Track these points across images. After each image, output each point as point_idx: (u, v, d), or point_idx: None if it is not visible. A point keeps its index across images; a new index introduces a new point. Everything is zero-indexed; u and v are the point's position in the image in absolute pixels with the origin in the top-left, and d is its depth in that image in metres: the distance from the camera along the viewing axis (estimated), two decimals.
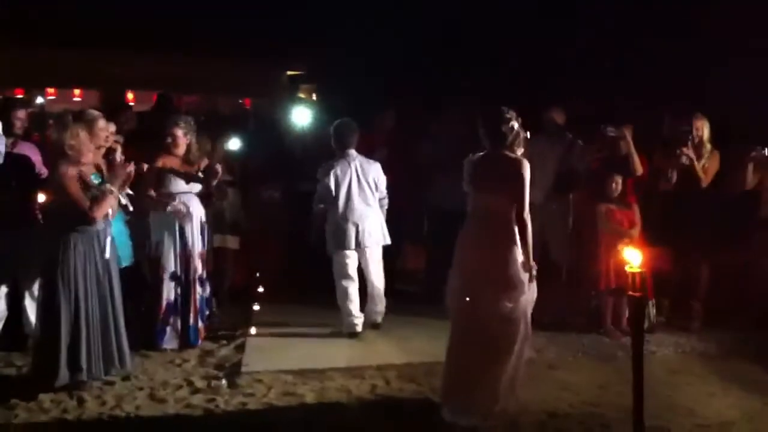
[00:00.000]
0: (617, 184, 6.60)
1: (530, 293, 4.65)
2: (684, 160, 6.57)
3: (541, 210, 7.40)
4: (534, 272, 4.57)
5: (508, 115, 4.70)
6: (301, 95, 13.24)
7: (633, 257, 3.24)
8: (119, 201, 5.21)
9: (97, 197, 5.00)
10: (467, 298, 4.56)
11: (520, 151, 4.72)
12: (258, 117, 10.94)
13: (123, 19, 11.33)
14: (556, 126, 7.84)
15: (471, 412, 4.55)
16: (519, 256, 4.55)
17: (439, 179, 7.39)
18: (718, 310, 6.74)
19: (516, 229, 4.56)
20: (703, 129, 6.72)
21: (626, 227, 6.52)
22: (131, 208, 5.56)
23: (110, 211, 5.17)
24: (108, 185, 5.08)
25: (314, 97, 13.34)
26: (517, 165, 4.63)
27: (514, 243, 4.56)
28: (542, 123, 7.89)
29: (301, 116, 9.60)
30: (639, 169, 6.74)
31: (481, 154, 4.78)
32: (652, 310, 6.52)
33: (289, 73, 12.92)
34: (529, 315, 4.68)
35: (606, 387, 5.26)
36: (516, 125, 4.70)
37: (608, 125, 6.83)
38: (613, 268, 6.38)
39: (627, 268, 3.30)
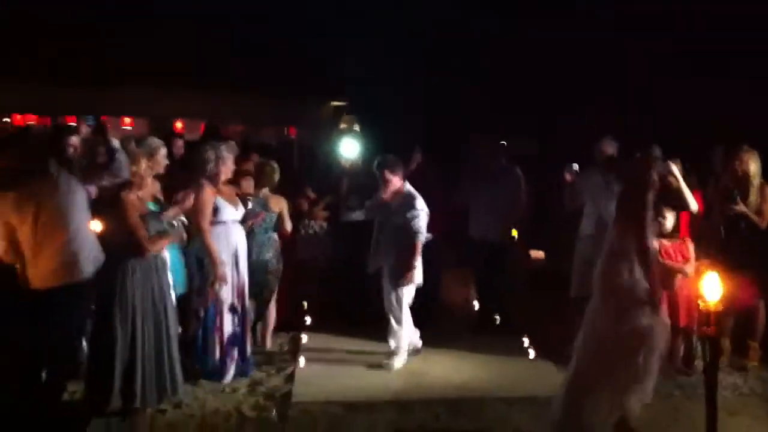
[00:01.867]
0: (665, 219, 6.48)
1: None
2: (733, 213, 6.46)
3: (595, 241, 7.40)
4: None
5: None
6: (344, 125, 13.29)
7: (710, 291, 3.14)
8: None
9: (162, 233, 5.04)
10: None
11: None
12: (303, 147, 11.04)
13: (166, 52, 11.55)
14: (607, 158, 7.74)
15: None
16: None
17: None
18: None
19: None
20: (749, 163, 6.56)
21: (679, 262, 6.40)
22: (185, 237, 5.59)
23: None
24: (170, 216, 5.11)
25: (356, 128, 13.38)
26: None
27: None
28: (592, 155, 7.82)
29: (349, 147, 9.63)
30: (692, 204, 6.61)
31: None
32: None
33: (333, 103, 13.01)
34: None
35: (667, 427, 5.13)
36: None
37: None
38: (667, 304, 6.25)
39: (700, 303, 3.20)
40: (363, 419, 5.24)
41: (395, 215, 6.49)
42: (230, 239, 5.99)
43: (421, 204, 6.45)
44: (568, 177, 7.55)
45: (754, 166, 6.55)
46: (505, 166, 7.92)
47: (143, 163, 5.10)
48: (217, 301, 5.93)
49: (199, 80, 11.44)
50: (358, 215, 7.99)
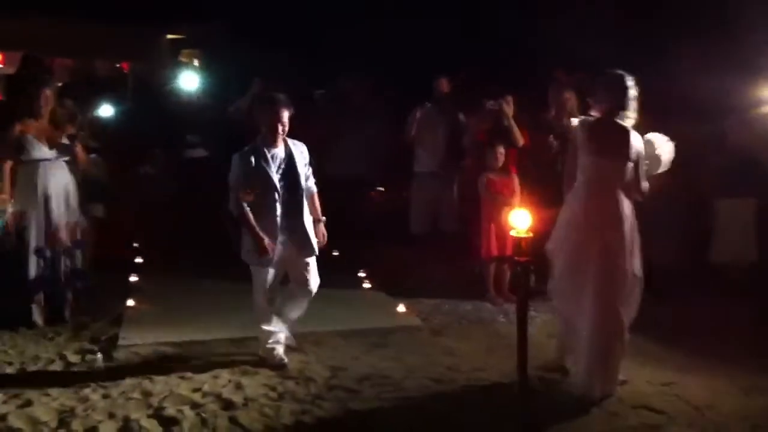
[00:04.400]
0: (500, 154, 6.72)
1: None
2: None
3: (433, 178, 7.73)
4: None
5: (629, 83, 4.57)
6: (183, 59, 12.73)
7: (519, 221, 3.26)
8: None
9: None
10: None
11: (630, 122, 4.62)
12: (137, 81, 10.49)
13: None
14: (443, 95, 7.93)
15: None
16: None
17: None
18: None
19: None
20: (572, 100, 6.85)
21: (506, 196, 6.66)
22: None
23: None
24: None
25: (197, 63, 12.86)
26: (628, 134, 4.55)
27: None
28: (431, 92, 7.97)
29: (189, 81, 9.25)
30: (519, 140, 6.89)
31: (595, 118, 4.64)
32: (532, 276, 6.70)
33: (169, 36, 12.37)
34: None
35: (490, 351, 5.37)
36: (635, 93, 4.59)
37: (490, 98, 6.97)
38: (494, 235, 6.55)
39: (513, 233, 3.32)
40: (196, 355, 5.14)
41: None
42: (39, 180, 5.68)
43: None
44: (418, 114, 7.72)
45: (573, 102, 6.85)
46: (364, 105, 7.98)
47: None
48: (23, 242, 5.63)
49: (18, 8, 10.54)
50: (199, 152, 7.78)
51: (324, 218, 5.20)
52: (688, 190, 6.94)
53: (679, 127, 6.96)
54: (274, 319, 5.12)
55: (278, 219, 4.89)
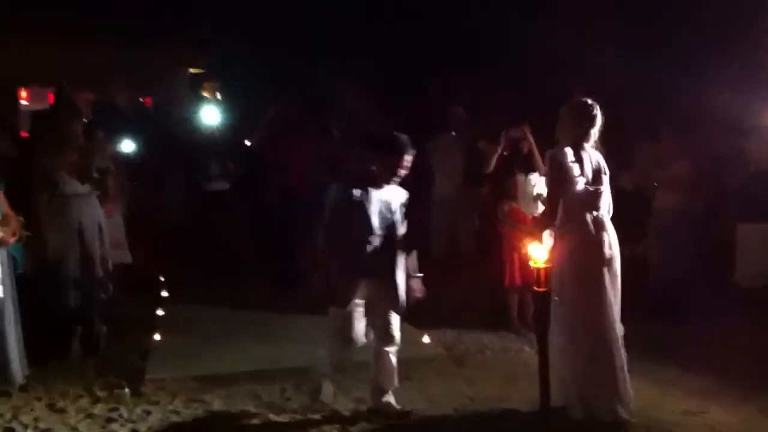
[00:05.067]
0: (520, 182, 6.73)
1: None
2: None
3: (452, 204, 7.88)
4: None
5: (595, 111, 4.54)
6: (205, 94, 12.94)
7: (537, 253, 3.29)
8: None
9: None
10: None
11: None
12: (160, 115, 10.67)
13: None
14: (460, 122, 8.04)
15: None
16: None
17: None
18: None
19: None
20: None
21: (529, 224, 6.64)
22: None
23: None
24: None
25: (218, 96, 13.06)
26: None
27: None
28: (447, 119, 8.08)
29: (210, 115, 9.41)
30: (542, 167, 6.87)
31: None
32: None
33: (191, 71, 12.60)
34: None
35: (514, 381, 5.35)
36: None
37: (511, 126, 7.02)
38: (517, 264, 6.52)
39: (531, 264, 3.35)
40: (220, 392, 5.16)
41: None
42: (73, 214, 5.80)
43: None
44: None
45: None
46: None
47: None
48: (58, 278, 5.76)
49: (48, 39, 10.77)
50: (221, 184, 7.90)
51: (422, 274, 4.89)
52: (708, 208, 6.95)
53: (699, 144, 7.06)
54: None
55: (367, 261, 4.62)
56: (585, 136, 4.48)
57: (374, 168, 4.70)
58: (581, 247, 4.37)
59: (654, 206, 7.17)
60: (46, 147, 5.88)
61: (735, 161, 7.22)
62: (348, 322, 4.63)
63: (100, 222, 6.02)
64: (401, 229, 4.74)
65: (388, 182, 4.68)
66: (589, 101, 4.53)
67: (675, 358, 5.59)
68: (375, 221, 4.61)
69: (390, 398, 4.79)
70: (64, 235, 5.76)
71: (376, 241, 4.61)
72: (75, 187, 5.82)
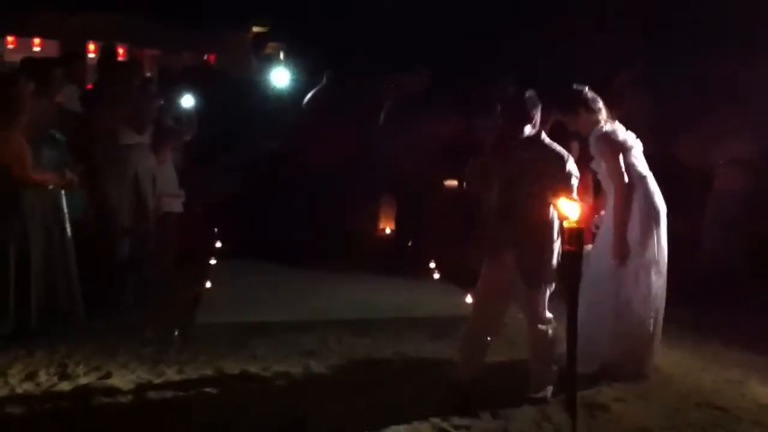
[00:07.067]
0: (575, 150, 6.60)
1: None
2: None
3: None
4: None
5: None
6: (270, 52, 13.00)
7: (570, 211, 3.28)
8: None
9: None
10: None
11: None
12: (223, 73, 10.82)
13: None
14: None
15: None
16: None
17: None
18: None
19: None
20: None
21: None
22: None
23: None
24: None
25: (281, 56, 13.11)
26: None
27: None
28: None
29: (278, 76, 9.40)
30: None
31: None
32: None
33: (255, 29, 12.68)
34: None
35: None
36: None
37: None
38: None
39: (564, 224, 3.35)
40: (264, 339, 5.33)
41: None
42: (130, 164, 6.01)
43: None
44: None
45: None
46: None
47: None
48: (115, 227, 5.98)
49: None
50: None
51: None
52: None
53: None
54: None
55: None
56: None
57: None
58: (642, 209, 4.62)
59: (716, 186, 6.85)
60: (105, 98, 6.06)
61: None
62: None
63: (153, 173, 6.22)
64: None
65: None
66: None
67: (719, 336, 5.58)
68: None
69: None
70: (120, 184, 5.96)
71: None
72: (131, 137, 6.00)
